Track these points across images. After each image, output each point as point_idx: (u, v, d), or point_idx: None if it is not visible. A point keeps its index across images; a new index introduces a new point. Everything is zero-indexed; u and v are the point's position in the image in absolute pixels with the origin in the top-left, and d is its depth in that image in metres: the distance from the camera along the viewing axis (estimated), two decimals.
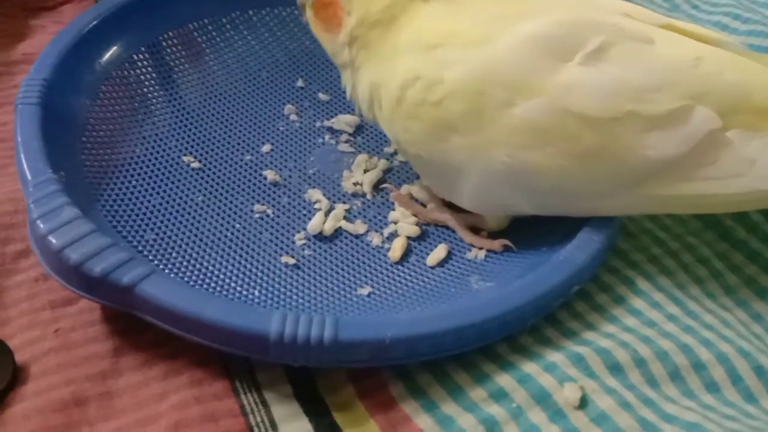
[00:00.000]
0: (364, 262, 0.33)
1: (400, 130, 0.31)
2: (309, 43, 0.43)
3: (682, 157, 0.27)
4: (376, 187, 0.37)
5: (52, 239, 0.27)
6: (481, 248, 0.33)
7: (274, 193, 0.36)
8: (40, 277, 0.31)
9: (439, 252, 0.33)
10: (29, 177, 0.30)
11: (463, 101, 0.28)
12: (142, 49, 0.40)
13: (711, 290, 0.31)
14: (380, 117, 0.32)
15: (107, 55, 0.38)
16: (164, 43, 0.41)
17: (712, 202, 0.29)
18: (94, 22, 0.37)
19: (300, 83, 0.42)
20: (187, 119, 0.39)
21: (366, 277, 0.32)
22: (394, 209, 0.35)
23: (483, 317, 0.27)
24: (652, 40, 0.29)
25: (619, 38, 0.28)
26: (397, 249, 0.33)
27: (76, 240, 0.27)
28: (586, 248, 0.29)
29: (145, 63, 0.40)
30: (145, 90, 0.39)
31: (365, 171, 0.37)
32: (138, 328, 0.29)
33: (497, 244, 0.32)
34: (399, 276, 0.32)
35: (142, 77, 0.39)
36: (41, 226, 0.27)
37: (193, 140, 0.38)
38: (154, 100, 0.39)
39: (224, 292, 0.30)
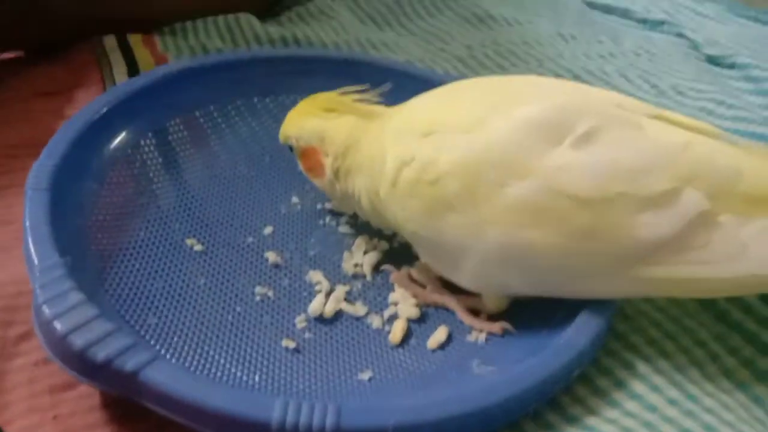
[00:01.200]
0: (364, 346, 0.33)
1: (398, 209, 0.32)
2: None
3: (673, 239, 0.28)
4: (377, 268, 0.37)
5: (57, 324, 0.27)
6: (481, 331, 0.33)
7: (276, 275, 0.36)
8: (40, 361, 0.31)
9: (440, 334, 0.33)
10: (36, 261, 0.30)
11: (458, 181, 0.29)
12: (149, 134, 0.41)
13: (710, 373, 0.32)
14: (378, 206, 0.33)
15: (115, 141, 0.39)
16: (170, 129, 0.42)
17: (706, 287, 0.29)
18: (104, 109, 0.39)
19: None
20: (190, 202, 0.39)
21: (367, 360, 0.32)
22: (394, 290, 0.36)
23: (486, 404, 0.27)
24: (642, 127, 0.30)
25: (609, 123, 0.29)
26: (397, 332, 0.33)
27: (81, 325, 0.27)
28: (586, 331, 0.30)
29: (152, 148, 0.41)
30: (151, 174, 0.40)
31: (365, 252, 0.38)
32: (137, 415, 0.28)
33: (497, 326, 0.33)
34: (400, 359, 0.32)
35: (148, 162, 0.40)
36: (47, 310, 0.28)
37: (197, 223, 0.38)
38: (159, 184, 0.40)
39: (226, 378, 0.30)
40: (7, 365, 0.31)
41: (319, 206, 0.41)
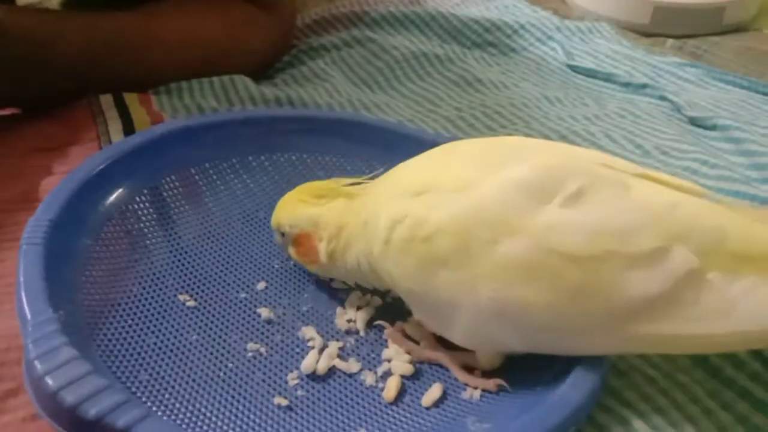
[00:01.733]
0: (358, 403, 0.33)
1: (391, 267, 0.32)
2: None
3: (663, 296, 0.28)
4: (370, 324, 0.37)
5: (49, 380, 0.27)
6: (476, 388, 0.33)
7: (268, 330, 0.36)
8: (28, 418, 0.30)
9: (434, 392, 0.33)
10: (29, 316, 0.30)
11: (450, 238, 0.30)
12: (145, 191, 0.41)
13: (704, 428, 0.32)
14: (374, 265, 0.33)
15: (111, 197, 0.40)
16: (165, 186, 0.43)
17: (698, 343, 0.30)
18: (102, 166, 0.39)
19: None
20: (184, 258, 0.40)
21: (360, 419, 0.32)
22: (387, 347, 0.36)
23: None
24: (629, 187, 0.31)
25: (597, 183, 0.30)
26: (391, 389, 0.33)
27: (73, 381, 0.27)
28: (582, 388, 0.29)
29: (146, 204, 0.41)
30: (145, 230, 0.40)
31: (358, 308, 0.38)
32: None
33: (491, 383, 0.33)
34: (394, 417, 0.32)
35: (142, 217, 0.41)
36: (38, 366, 0.27)
37: (190, 279, 0.38)
38: (153, 239, 0.40)
39: None
40: None
41: None
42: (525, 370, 0.33)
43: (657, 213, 0.30)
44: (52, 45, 0.49)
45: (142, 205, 0.41)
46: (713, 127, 0.54)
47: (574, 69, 0.65)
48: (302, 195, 0.37)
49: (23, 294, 0.31)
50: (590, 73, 0.64)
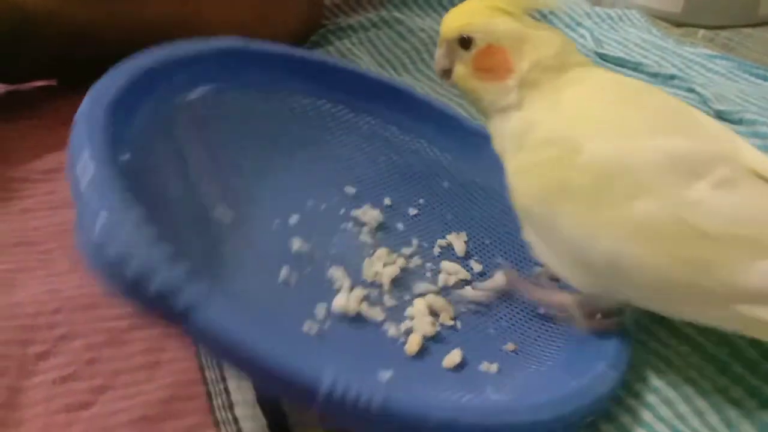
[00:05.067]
0: (381, 348, 0.34)
1: (521, 178, 0.33)
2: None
3: None
4: (394, 282, 0.38)
5: (112, 247, 0.25)
6: (597, 330, 0.34)
7: (299, 261, 0.37)
8: (57, 380, 0.32)
9: (454, 356, 0.34)
10: (94, 171, 0.27)
11: (590, 177, 0.30)
12: (201, 96, 0.40)
13: (712, 423, 0.32)
14: (509, 158, 0.34)
15: (168, 92, 0.38)
16: (227, 96, 0.42)
17: None
18: (165, 60, 0.38)
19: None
20: (226, 172, 0.39)
21: (384, 363, 0.32)
22: (412, 305, 0.37)
23: (522, 420, 0.28)
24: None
25: (745, 173, 0.31)
26: (413, 344, 0.34)
27: (138, 248, 0.25)
28: (606, 381, 0.31)
29: (202, 108, 0.40)
30: (194, 129, 0.39)
31: (384, 265, 0.39)
32: None
33: (611, 323, 0.34)
34: (416, 370, 0.33)
35: (196, 117, 0.40)
36: (99, 231, 0.25)
37: (228, 192, 0.38)
38: (202, 142, 0.39)
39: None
40: (25, 383, 0.32)
41: (342, 211, 0.42)
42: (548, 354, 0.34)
43: None
44: (93, 26, 0.51)
45: (196, 108, 0.40)
46: (740, 121, 0.53)
47: (603, 57, 0.65)
48: (499, 2, 0.35)
49: (88, 146, 0.28)
50: (619, 62, 0.64)
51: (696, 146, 0.31)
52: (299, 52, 0.47)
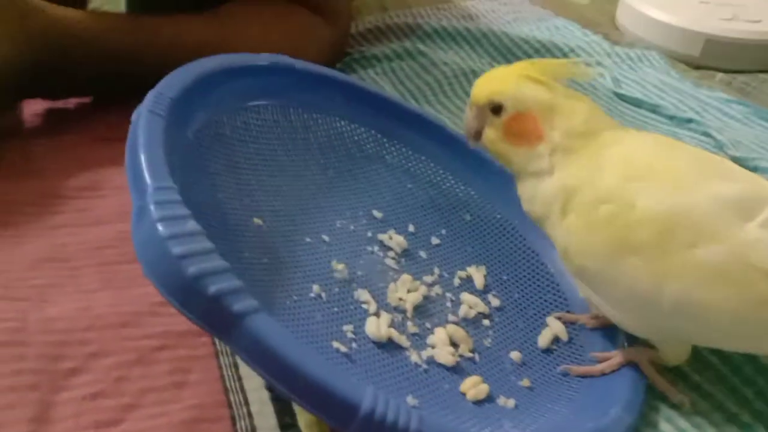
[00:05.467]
0: (404, 373, 0.34)
1: (575, 240, 0.34)
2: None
3: None
4: (416, 308, 0.39)
5: (173, 246, 0.26)
6: (664, 391, 0.36)
7: (329, 279, 0.38)
8: (87, 396, 0.33)
9: (481, 390, 0.34)
10: (149, 180, 0.29)
11: (651, 230, 0.32)
12: (249, 108, 0.42)
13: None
14: (555, 222, 0.35)
15: (219, 101, 0.40)
16: (269, 111, 0.44)
17: None
18: (217, 70, 0.40)
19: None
20: (263, 184, 0.41)
21: (412, 389, 0.33)
22: (433, 333, 0.38)
23: None
24: None
25: None
26: (481, 392, 0.35)
27: (197, 254, 0.26)
28: (620, 425, 0.32)
29: (247, 119, 0.42)
30: (236, 142, 0.41)
31: (408, 291, 0.40)
32: None
33: (679, 397, 0.35)
34: (438, 397, 0.34)
35: (239, 129, 0.41)
36: (161, 229, 0.27)
37: (265, 205, 0.39)
38: (242, 154, 0.41)
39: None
40: (55, 398, 0.33)
41: (369, 234, 0.43)
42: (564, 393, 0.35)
43: None
44: (135, 50, 0.53)
45: (241, 120, 0.42)
46: (755, 169, 0.54)
47: (621, 97, 0.66)
48: (529, 71, 0.36)
49: (143, 157, 0.30)
50: (636, 103, 0.65)
51: (740, 189, 0.32)
52: (342, 76, 0.49)
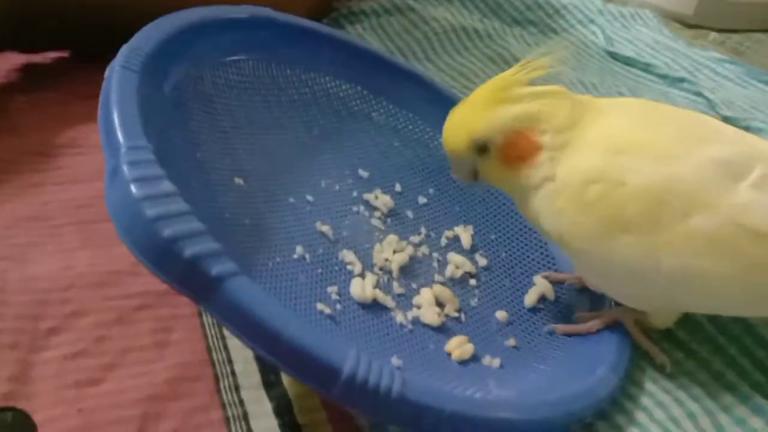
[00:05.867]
0: (389, 334, 0.34)
1: (568, 223, 0.33)
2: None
3: None
4: (402, 269, 0.39)
5: (147, 208, 0.25)
6: (648, 351, 0.36)
7: (313, 240, 0.37)
8: (68, 356, 0.32)
9: (466, 350, 0.34)
10: (122, 140, 0.27)
11: (642, 205, 0.31)
12: (226, 62, 0.41)
13: (703, 426, 0.33)
14: (545, 210, 0.33)
15: (196, 54, 0.38)
16: (251, 65, 0.42)
17: None
18: (193, 22, 0.38)
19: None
20: (244, 141, 0.39)
21: (392, 348, 0.33)
22: (418, 294, 0.37)
23: (532, 417, 0.29)
24: None
25: None
26: (466, 352, 0.35)
27: (172, 216, 0.25)
28: (606, 385, 0.32)
29: (226, 74, 0.41)
30: (215, 98, 0.39)
31: (394, 252, 0.39)
32: (162, 414, 0.30)
33: (662, 358, 0.35)
34: (423, 357, 0.34)
35: (218, 85, 0.40)
36: (134, 190, 0.26)
37: (246, 163, 0.38)
38: (220, 111, 0.39)
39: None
40: (36, 357, 0.32)
41: (355, 193, 0.42)
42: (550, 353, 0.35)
43: None
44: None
45: (221, 75, 0.40)
46: (746, 129, 0.53)
47: (613, 56, 0.65)
48: (490, 96, 0.33)
49: (116, 115, 0.28)
50: (629, 62, 0.64)
51: (728, 151, 0.32)
52: (327, 29, 0.47)
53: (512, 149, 0.33)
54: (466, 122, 0.34)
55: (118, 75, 0.31)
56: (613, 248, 0.32)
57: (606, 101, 0.35)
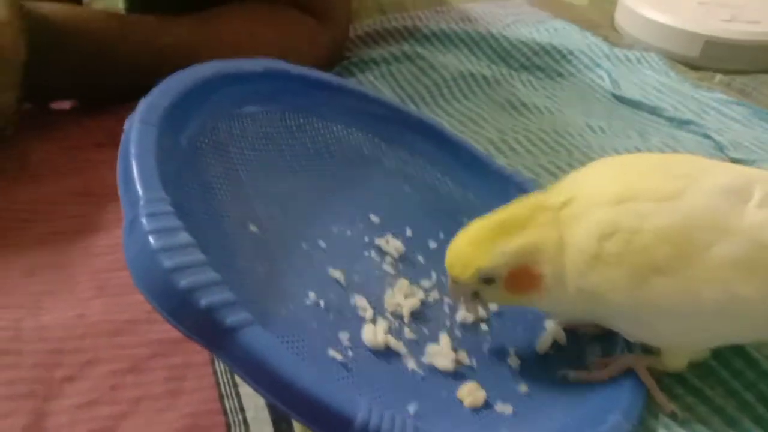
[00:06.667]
0: (403, 381, 0.34)
1: (599, 282, 0.33)
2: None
3: None
4: (413, 314, 0.39)
5: (163, 258, 0.26)
6: (660, 402, 0.35)
7: (326, 286, 0.37)
8: (82, 404, 0.33)
9: (479, 396, 0.34)
10: (140, 192, 0.29)
11: (668, 246, 0.32)
12: (242, 115, 0.42)
13: None
14: (571, 280, 0.33)
15: (212, 108, 0.39)
16: (265, 117, 0.43)
17: None
18: (211, 76, 0.39)
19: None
20: (258, 191, 0.40)
21: (410, 396, 0.33)
22: (434, 341, 0.37)
23: None
24: None
25: None
26: (478, 400, 0.34)
27: (188, 267, 0.26)
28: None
29: (240, 127, 0.42)
30: (231, 149, 0.40)
31: (405, 296, 0.39)
32: None
33: (669, 407, 0.35)
34: (438, 405, 0.33)
35: (234, 137, 0.41)
36: (152, 241, 0.26)
37: (259, 211, 0.39)
38: (236, 162, 0.40)
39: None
40: (51, 406, 0.32)
41: (366, 239, 0.42)
42: (561, 402, 0.35)
43: None
44: (114, 45, 0.52)
45: (236, 126, 0.41)
46: None
47: (620, 99, 0.66)
48: (490, 231, 0.34)
49: (135, 168, 0.29)
50: (636, 105, 0.65)
51: (724, 178, 0.33)
52: (337, 80, 0.49)
53: (516, 281, 0.34)
54: (472, 256, 0.34)
55: (137, 129, 0.32)
56: (651, 292, 0.32)
57: (578, 172, 0.36)
